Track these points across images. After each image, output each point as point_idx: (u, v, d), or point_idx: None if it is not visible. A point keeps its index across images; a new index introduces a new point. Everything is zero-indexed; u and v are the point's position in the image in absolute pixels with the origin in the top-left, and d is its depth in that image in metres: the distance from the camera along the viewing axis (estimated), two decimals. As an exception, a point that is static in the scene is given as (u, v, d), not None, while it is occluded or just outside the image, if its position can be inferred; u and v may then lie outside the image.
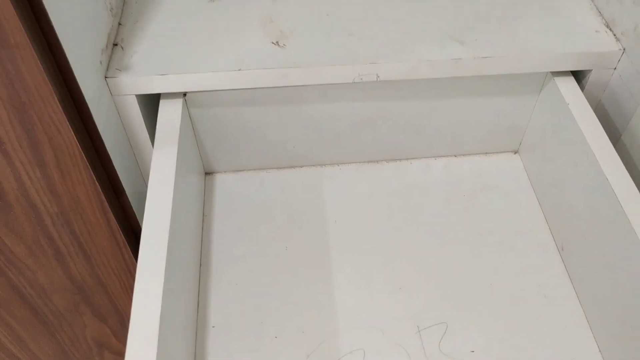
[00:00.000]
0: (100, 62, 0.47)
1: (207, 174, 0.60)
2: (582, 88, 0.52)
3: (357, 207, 0.57)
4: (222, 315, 0.49)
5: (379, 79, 0.50)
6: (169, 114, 0.50)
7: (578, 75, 0.53)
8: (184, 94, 0.51)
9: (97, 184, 0.46)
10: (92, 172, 0.45)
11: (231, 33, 0.52)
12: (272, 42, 0.51)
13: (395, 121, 0.57)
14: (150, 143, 0.53)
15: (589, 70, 0.52)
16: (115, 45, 0.50)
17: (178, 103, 0.50)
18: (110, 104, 0.48)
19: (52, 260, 0.54)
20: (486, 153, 0.61)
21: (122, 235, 0.52)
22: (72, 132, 0.42)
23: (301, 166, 0.60)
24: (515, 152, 0.62)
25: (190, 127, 0.54)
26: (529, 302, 0.50)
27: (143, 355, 0.36)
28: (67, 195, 0.47)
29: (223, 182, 0.59)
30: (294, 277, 0.52)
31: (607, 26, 0.52)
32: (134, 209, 0.53)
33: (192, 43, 0.51)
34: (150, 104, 0.52)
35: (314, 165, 0.60)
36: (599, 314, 0.47)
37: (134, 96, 0.49)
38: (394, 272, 0.52)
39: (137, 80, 0.48)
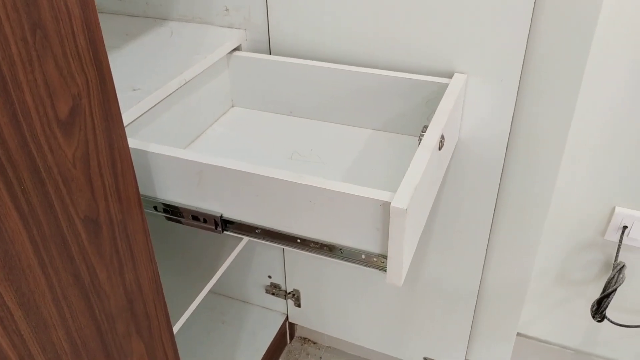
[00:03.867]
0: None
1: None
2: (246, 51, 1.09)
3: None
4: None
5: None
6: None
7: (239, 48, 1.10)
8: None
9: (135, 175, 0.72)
10: (133, 167, 0.72)
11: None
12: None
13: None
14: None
15: (241, 44, 1.09)
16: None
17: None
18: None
19: (118, 277, 0.72)
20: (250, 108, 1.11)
21: (145, 218, 0.76)
22: (127, 141, 0.70)
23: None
24: (233, 106, 1.13)
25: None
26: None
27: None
28: (126, 197, 0.71)
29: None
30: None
31: (232, 27, 1.11)
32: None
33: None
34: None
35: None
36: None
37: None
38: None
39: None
